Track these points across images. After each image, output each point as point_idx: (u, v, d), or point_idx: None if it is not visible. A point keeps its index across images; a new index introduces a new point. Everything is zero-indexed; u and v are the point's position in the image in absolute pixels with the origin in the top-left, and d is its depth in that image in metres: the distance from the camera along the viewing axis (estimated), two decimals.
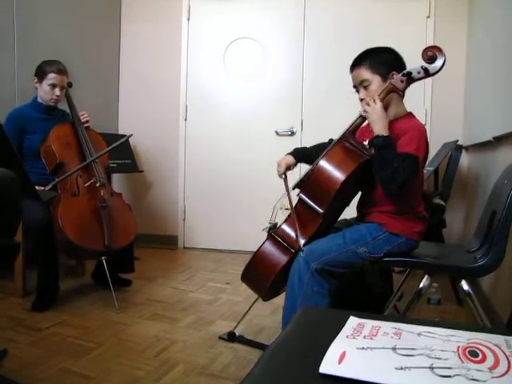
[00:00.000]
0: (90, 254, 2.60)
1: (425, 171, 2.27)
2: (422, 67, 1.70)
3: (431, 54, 1.69)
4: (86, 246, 2.43)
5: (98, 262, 2.85)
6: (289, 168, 1.99)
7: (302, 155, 2.05)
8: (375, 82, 1.78)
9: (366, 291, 2.01)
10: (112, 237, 2.51)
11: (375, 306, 2.00)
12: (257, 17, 4.01)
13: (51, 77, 2.69)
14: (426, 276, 1.78)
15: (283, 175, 1.97)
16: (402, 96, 1.81)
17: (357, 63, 1.84)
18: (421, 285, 1.78)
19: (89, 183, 2.59)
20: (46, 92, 2.73)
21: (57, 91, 2.72)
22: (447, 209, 2.88)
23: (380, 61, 1.79)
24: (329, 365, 0.69)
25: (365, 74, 1.80)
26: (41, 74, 2.71)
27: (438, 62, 1.69)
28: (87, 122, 2.84)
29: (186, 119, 4.19)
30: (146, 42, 4.29)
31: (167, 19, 4.21)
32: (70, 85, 2.89)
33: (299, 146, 2.20)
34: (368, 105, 1.72)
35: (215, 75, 4.12)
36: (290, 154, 2.04)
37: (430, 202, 2.65)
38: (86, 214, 2.54)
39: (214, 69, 4.12)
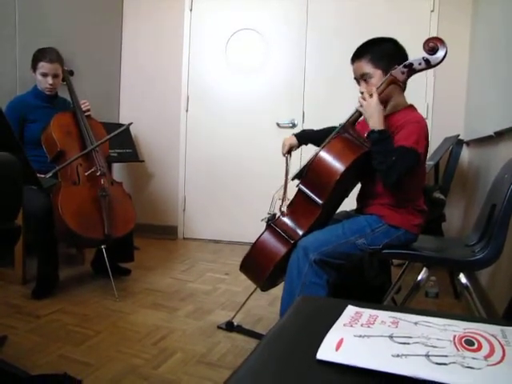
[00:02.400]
0: (89, 243, 2.61)
1: (425, 165, 2.27)
2: (423, 58, 1.69)
3: (433, 45, 1.67)
4: (85, 235, 2.44)
5: (97, 251, 2.86)
6: (292, 148, 2.03)
7: (307, 137, 2.09)
8: (376, 75, 1.76)
9: (365, 283, 2.02)
10: (112, 225, 2.51)
11: (373, 299, 2.01)
12: (259, 8, 3.99)
13: (41, 65, 2.67)
14: (424, 269, 1.79)
15: (286, 154, 2.01)
16: (403, 88, 1.80)
17: (358, 55, 1.80)
18: (419, 277, 1.79)
19: (89, 172, 2.60)
20: (39, 81, 2.72)
21: (49, 80, 2.70)
22: (447, 203, 2.88)
23: (382, 54, 1.76)
24: (326, 351, 0.69)
25: (366, 67, 1.77)
26: (33, 63, 2.70)
27: (440, 54, 1.68)
28: (88, 110, 2.83)
29: (187, 110, 4.17)
30: (148, 32, 4.27)
31: (169, 9, 4.18)
32: (71, 73, 2.88)
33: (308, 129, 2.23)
34: (364, 99, 1.71)
35: (217, 66, 4.10)
36: (296, 135, 2.07)
37: (430, 195, 2.65)
38: (86, 202, 2.54)
39: (215, 60, 4.10)
